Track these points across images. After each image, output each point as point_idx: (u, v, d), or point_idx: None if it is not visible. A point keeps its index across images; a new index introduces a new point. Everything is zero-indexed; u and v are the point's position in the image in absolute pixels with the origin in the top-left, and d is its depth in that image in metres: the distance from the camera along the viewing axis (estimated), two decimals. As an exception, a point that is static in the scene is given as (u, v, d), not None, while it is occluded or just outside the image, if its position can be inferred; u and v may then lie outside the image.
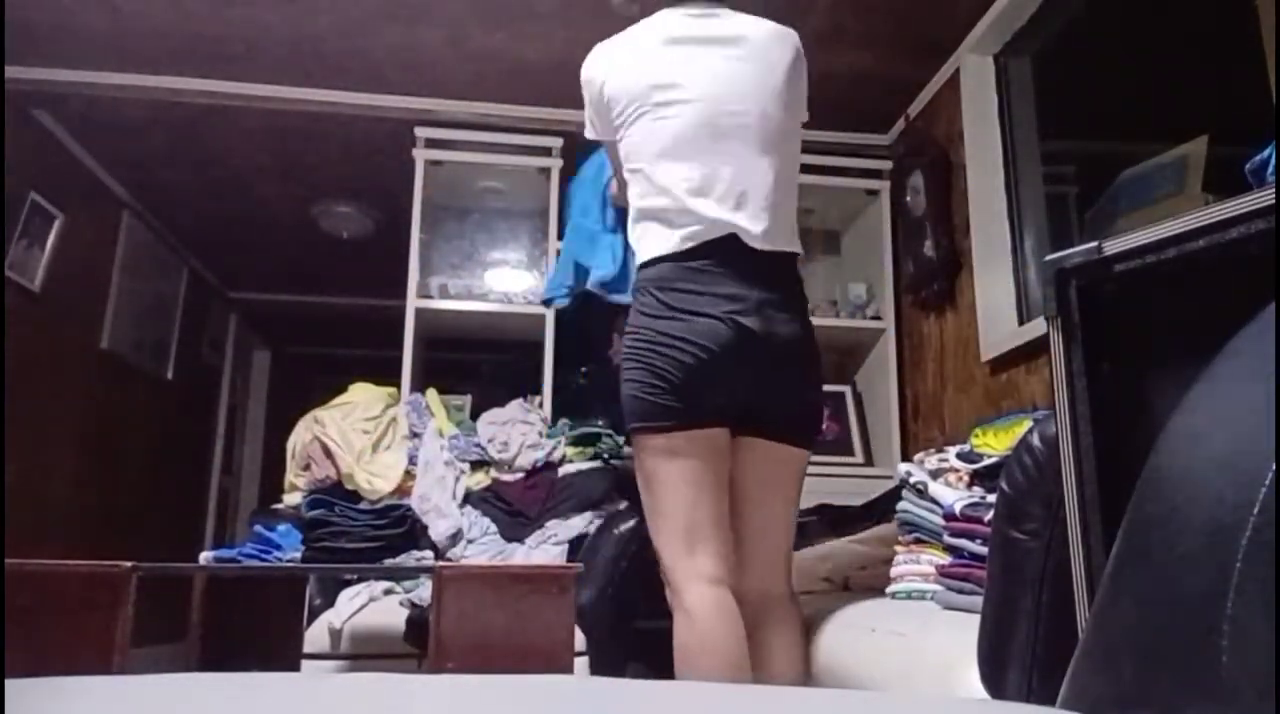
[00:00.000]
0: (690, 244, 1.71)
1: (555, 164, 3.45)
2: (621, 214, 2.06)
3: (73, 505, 3.91)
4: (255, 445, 6.27)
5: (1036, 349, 2.60)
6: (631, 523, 2.42)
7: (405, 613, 2.28)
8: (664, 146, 1.77)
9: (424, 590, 2.33)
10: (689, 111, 1.76)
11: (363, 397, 2.88)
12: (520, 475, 2.75)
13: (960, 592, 1.68)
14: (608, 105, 1.84)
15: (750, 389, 1.71)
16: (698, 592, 1.62)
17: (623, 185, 1.91)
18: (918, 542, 1.94)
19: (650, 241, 1.77)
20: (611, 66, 1.85)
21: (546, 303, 2.77)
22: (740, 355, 1.66)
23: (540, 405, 3.22)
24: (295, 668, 2.20)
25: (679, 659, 1.60)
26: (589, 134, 1.96)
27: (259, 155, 3.88)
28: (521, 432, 2.83)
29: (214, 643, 2.23)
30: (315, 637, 2.25)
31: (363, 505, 2.47)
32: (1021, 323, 2.87)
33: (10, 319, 3.36)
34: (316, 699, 0.59)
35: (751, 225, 1.72)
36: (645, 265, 1.77)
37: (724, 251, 1.70)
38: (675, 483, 1.67)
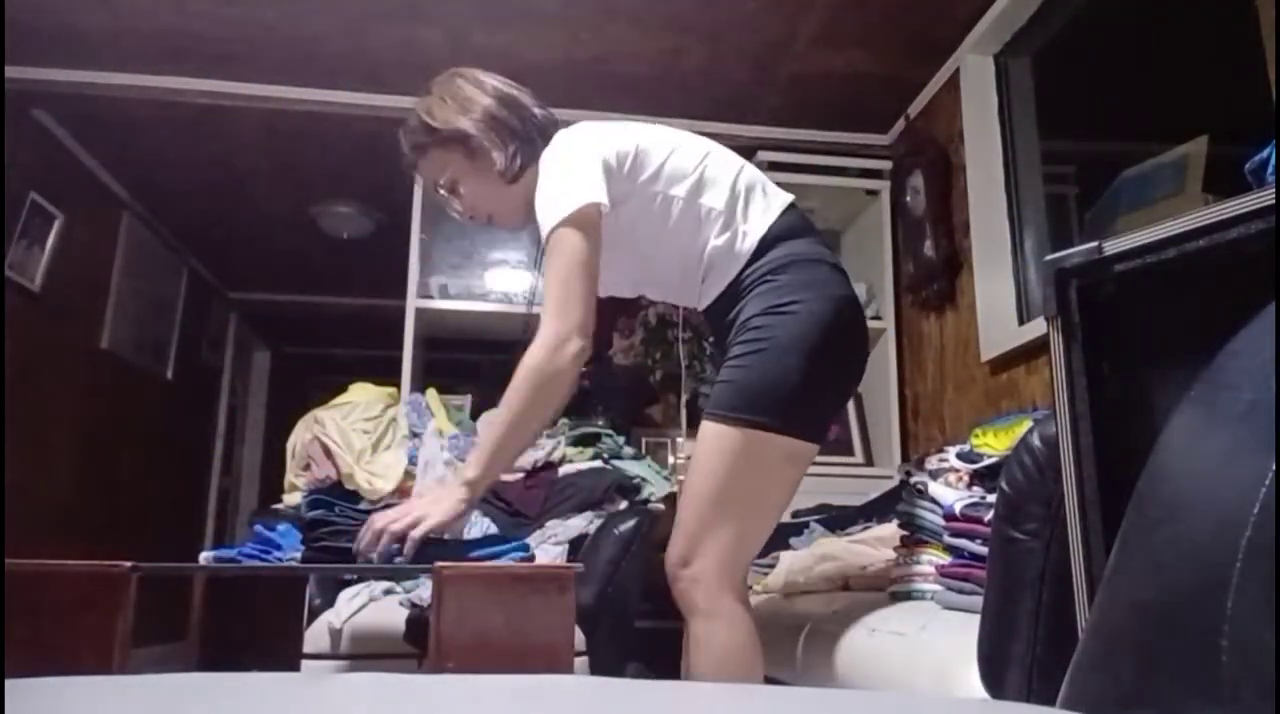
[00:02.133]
0: None
1: (555, 164, 3.46)
2: None
3: (73, 505, 3.91)
4: (255, 445, 6.27)
5: (1036, 349, 2.60)
6: (631, 523, 2.42)
7: (405, 613, 2.28)
8: None
9: (424, 590, 2.33)
10: None
11: (363, 396, 2.88)
12: (520, 475, 2.74)
13: (960, 592, 1.68)
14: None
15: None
16: (741, 601, 1.59)
17: None
18: (918, 542, 1.94)
19: None
20: None
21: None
22: None
23: (540, 405, 3.21)
24: (295, 668, 2.20)
25: (724, 664, 1.53)
26: None
27: (259, 155, 3.88)
28: (521, 432, 2.82)
29: (214, 643, 2.22)
30: (315, 637, 2.25)
31: (363, 505, 2.45)
32: (1021, 323, 2.87)
33: (10, 319, 3.36)
34: (316, 699, 0.59)
35: None
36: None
37: None
38: (788, 493, 1.64)
